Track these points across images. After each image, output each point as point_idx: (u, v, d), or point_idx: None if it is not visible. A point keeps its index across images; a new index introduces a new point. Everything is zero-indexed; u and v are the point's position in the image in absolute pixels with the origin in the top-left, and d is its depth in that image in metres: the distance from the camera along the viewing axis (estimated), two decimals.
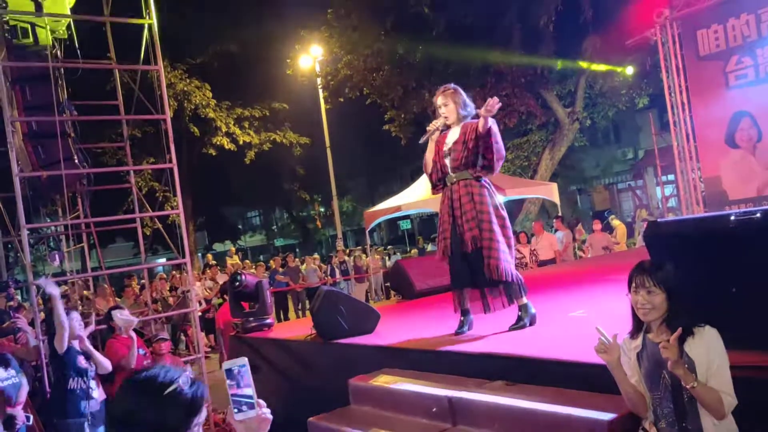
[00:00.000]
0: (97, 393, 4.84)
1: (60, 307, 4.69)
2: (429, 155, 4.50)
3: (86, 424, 4.64)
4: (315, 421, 4.05)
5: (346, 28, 15.28)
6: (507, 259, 4.24)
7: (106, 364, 4.92)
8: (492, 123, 4.21)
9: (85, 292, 10.14)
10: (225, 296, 9.03)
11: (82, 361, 4.76)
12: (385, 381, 4.06)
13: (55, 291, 4.80)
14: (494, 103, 4.04)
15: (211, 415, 6.79)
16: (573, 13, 13.20)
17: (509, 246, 4.29)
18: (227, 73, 20.18)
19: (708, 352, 2.18)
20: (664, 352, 2.13)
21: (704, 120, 9.87)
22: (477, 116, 4.35)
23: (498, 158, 4.26)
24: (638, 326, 2.37)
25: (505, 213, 4.39)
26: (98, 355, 4.88)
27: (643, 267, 2.33)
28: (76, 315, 4.90)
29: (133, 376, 1.44)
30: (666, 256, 2.79)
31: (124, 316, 5.37)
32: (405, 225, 32.48)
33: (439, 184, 4.49)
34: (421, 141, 4.54)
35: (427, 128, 4.51)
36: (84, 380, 4.71)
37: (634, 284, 2.31)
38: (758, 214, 2.70)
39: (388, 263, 16.51)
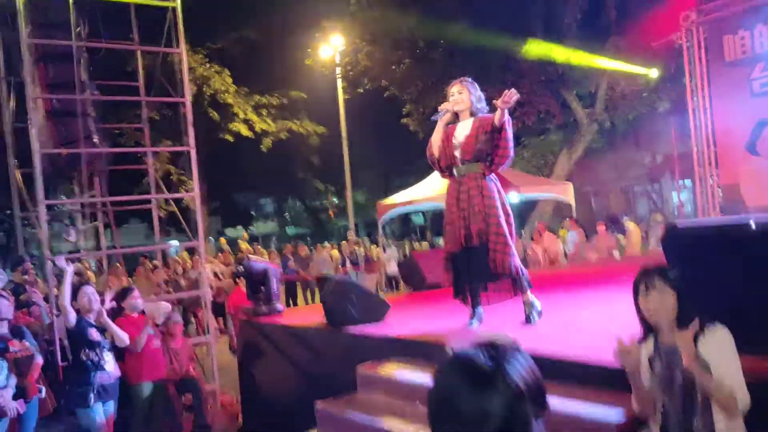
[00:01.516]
0: (111, 366, 4.91)
1: (68, 287, 4.75)
2: (436, 139, 4.46)
3: (91, 395, 4.70)
4: (322, 405, 4.08)
5: (369, 19, 15.25)
6: (513, 253, 4.25)
7: (123, 337, 5.03)
8: (507, 119, 4.19)
9: (90, 273, 10.25)
10: (237, 281, 9.09)
11: (93, 333, 4.82)
12: (393, 369, 4.08)
13: (67, 268, 4.87)
14: (512, 94, 4.01)
15: (218, 395, 6.85)
16: (597, 13, 13.08)
17: (513, 241, 4.30)
18: (247, 59, 20.23)
19: (720, 351, 2.17)
20: (685, 350, 2.11)
21: (726, 126, 9.74)
22: (491, 111, 4.33)
23: (506, 155, 4.25)
24: (648, 330, 2.36)
25: (510, 209, 4.40)
26: (114, 328, 4.99)
27: (652, 269, 2.32)
28: (90, 289, 4.99)
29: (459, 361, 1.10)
30: (682, 258, 2.77)
31: (130, 300, 5.48)
32: (417, 219, 32.44)
33: (446, 171, 4.47)
34: (434, 117, 4.50)
35: (440, 108, 4.47)
36: (95, 352, 4.77)
37: (643, 286, 2.30)
38: None
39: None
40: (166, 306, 6.09)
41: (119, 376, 5.06)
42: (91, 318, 4.87)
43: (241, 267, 6.27)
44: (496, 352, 1.08)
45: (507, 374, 1.04)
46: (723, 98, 9.71)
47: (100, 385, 4.77)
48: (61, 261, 5.11)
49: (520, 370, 1.07)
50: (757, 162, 9.24)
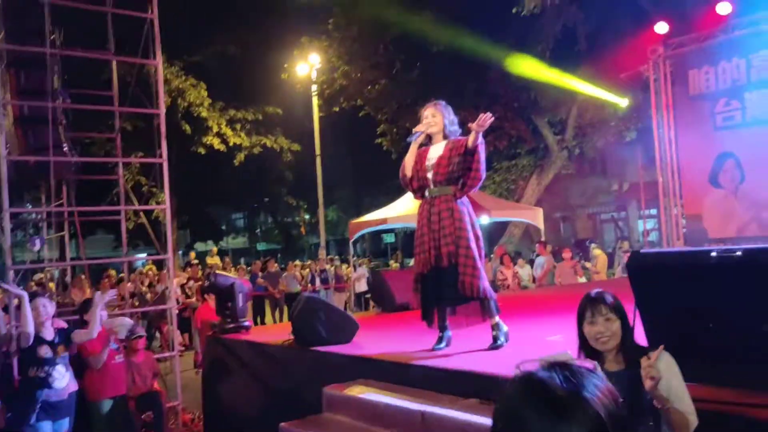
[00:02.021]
0: (63, 383, 4.73)
1: (28, 312, 4.62)
2: (409, 161, 4.51)
3: (33, 415, 4.53)
4: (287, 427, 4.04)
5: (346, 38, 15.39)
6: (482, 276, 4.29)
7: (85, 336, 4.94)
8: (480, 141, 4.26)
9: (50, 284, 9.99)
10: (205, 296, 8.98)
11: (42, 351, 4.67)
12: (360, 391, 4.07)
13: (23, 294, 4.73)
14: (487, 117, 4.09)
15: (180, 413, 6.73)
16: (570, 43, 13.41)
17: (482, 264, 4.35)
18: (224, 73, 20.18)
19: (671, 375, 2.21)
20: (649, 374, 2.13)
21: (690, 158, 10.04)
22: (464, 134, 4.41)
23: (477, 177, 4.30)
24: (593, 358, 2.35)
25: (480, 232, 4.44)
26: (77, 332, 4.92)
27: (596, 296, 2.35)
28: (42, 300, 4.85)
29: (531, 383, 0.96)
30: (646, 285, 2.85)
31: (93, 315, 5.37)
32: (389, 239, 32.51)
33: (418, 192, 4.52)
34: (409, 139, 4.54)
35: (414, 129, 4.53)
36: (44, 369, 4.63)
37: (589, 314, 2.31)
38: (739, 252, 2.77)
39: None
40: (128, 321, 5.98)
41: (75, 391, 4.93)
42: (45, 329, 4.72)
43: (208, 282, 6.20)
44: (572, 374, 0.96)
45: (586, 400, 0.92)
46: (687, 130, 10.02)
47: (47, 403, 4.59)
48: (14, 288, 4.99)
49: (599, 395, 0.94)
50: (719, 194, 9.53)
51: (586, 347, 2.37)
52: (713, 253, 2.81)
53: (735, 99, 9.30)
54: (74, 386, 4.96)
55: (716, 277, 2.80)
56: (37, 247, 7.26)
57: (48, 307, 4.85)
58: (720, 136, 9.51)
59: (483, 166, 4.31)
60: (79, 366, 5.27)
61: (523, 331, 5.02)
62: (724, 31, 9.40)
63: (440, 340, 4.43)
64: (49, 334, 4.79)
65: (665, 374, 2.19)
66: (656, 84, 10.34)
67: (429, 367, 4.03)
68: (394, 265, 20.75)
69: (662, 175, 10.44)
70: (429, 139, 4.55)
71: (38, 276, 11.36)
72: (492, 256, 14.16)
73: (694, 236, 9.89)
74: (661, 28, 10.05)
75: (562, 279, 11.29)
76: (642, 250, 3.40)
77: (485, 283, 4.30)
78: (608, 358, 2.33)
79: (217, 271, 9.32)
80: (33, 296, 4.96)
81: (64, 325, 5.17)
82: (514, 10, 12.23)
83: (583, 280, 11.57)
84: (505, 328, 4.45)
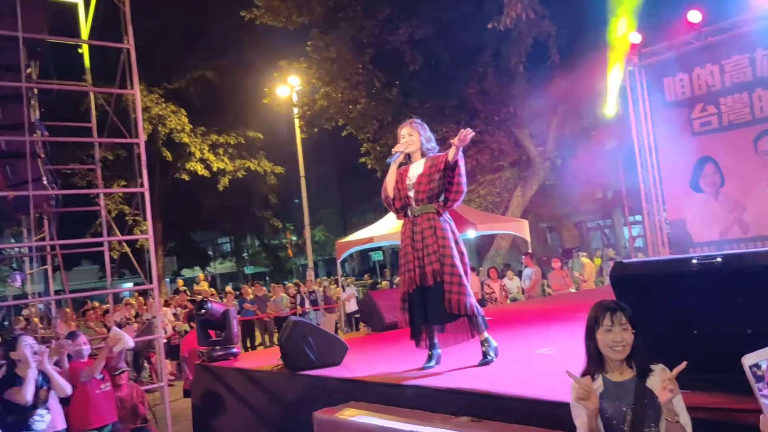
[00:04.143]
0: (44, 424, 4.51)
1: (30, 386, 4.36)
2: (390, 181, 4.52)
3: None
4: None
5: (325, 60, 15.48)
6: (469, 292, 4.28)
7: (66, 387, 4.70)
8: (460, 156, 4.28)
9: (35, 319, 9.82)
10: (192, 323, 8.88)
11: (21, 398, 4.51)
12: (351, 414, 4.03)
13: (33, 366, 4.42)
14: (467, 133, 4.13)
15: None
16: (543, 56, 13.58)
17: (468, 280, 4.35)
18: (204, 99, 20.23)
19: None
20: (669, 386, 2.13)
21: (670, 164, 10.16)
22: (443, 150, 4.44)
23: (459, 191, 4.32)
24: (599, 366, 2.35)
25: (464, 248, 4.45)
26: (57, 379, 4.64)
27: (614, 305, 2.33)
28: (29, 340, 4.60)
29: None
30: (630, 295, 2.86)
31: (75, 347, 5.25)
32: (377, 256, 32.46)
33: (401, 212, 4.53)
34: (388, 161, 4.55)
35: (393, 150, 4.55)
36: (23, 416, 4.41)
37: (608, 322, 2.29)
38: (719, 259, 2.79)
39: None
40: (129, 340, 5.67)
41: (62, 430, 4.81)
42: (29, 371, 4.54)
43: (204, 310, 6.08)
44: None
45: None
46: (666, 137, 10.14)
47: None
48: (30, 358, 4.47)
49: None
50: (700, 198, 9.63)
51: (594, 356, 2.34)
52: (694, 261, 2.82)
53: (711, 104, 9.44)
54: (61, 424, 4.84)
55: (698, 284, 2.82)
56: (18, 283, 7.15)
57: (35, 346, 4.61)
58: (698, 141, 9.63)
59: (464, 179, 4.34)
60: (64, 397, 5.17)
61: (512, 345, 5.00)
62: (697, 38, 9.56)
63: (430, 358, 4.41)
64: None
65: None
66: (633, 93, 10.47)
67: (420, 386, 4.00)
68: (384, 283, 20.71)
69: (644, 181, 10.54)
70: (408, 158, 4.57)
71: (25, 312, 11.20)
72: (480, 269, 14.20)
73: (679, 241, 9.97)
74: (635, 38, 10.20)
75: (553, 288, 11.34)
76: (624, 260, 3.42)
77: (472, 300, 4.30)
78: (612, 368, 2.33)
79: (209, 299, 9.24)
80: (17, 336, 4.79)
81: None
82: (490, 26, 12.37)
83: (573, 290, 11.63)
84: (494, 343, 4.44)
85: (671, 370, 2.19)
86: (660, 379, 2.20)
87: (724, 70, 9.22)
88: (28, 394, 4.35)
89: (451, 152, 4.26)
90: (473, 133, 4.24)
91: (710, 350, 2.72)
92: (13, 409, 4.38)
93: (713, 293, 2.76)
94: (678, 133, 9.85)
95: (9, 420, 4.38)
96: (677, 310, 2.89)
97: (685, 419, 2.21)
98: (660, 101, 10.13)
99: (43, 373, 4.67)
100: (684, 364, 2.17)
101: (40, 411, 4.52)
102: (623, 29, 10.25)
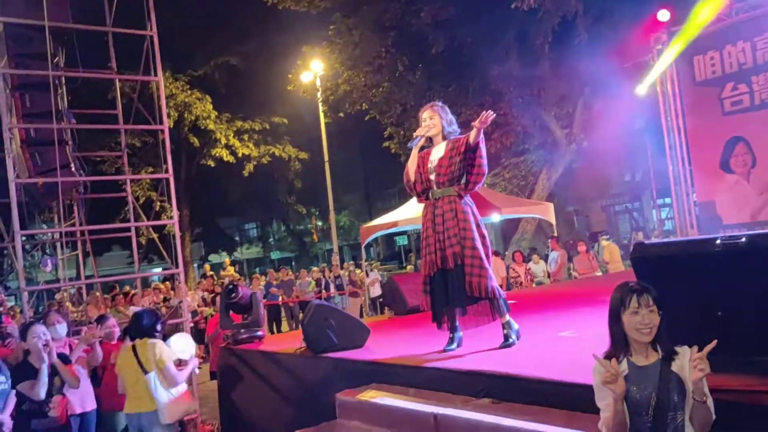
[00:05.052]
0: (57, 411, 4.56)
1: (44, 381, 4.39)
2: (412, 165, 4.52)
3: None
4: None
5: (348, 44, 15.42)
6: (490, 275, 4.27)
7: (74, 382, 4.67)
8: (481, 138, 4.25)
9: (68, 304, 10.01)
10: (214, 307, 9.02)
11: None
12: (372, 396, 4.06)
13: (45, 358, 4.43)
14: (489, 115, 4.10)
15: (199, 425, 6.77)
16: (569, 35, 13.33)
17: (489, 263, 4.34)
18: (228, 85, 20.35)
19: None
20: (699, 365, 2.12)
21: (700, 145, 9.94)
22: (464, 133, 4.41)
23: (481, 173, 4.31)
24: (623, 349, 2.31)
25: (485, 231, 4.43)
26: (65, 372, 4.60)
27: (640, 286, 2.29)
28: (40, 329, 4.58)
29: None
30: (652, 277, 2.82)
31: (105, 329, 5.38)
32: (401, 241, 32.50)
33: (422, 195, 4.52)
34: (410, 144, 4.54)
35: (414, 134, 4.53)
36: (38, 404, 4.45)
37: (634, 303, 2.25)
38: (743, 239, 2.73)
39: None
40: (192, 344, 5.42)
41: (93, 409, 4.91)
42: (43, 366, 4.47)
43: (234, 294, 6.13)
44: None
45: None
46: (695, 117, 9.92)
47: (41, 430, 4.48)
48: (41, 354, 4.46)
49: None
50: (731, 180, 9.42)
51: (619, 338, 2.30)
52: (718, 241, 2.77)
53: (742, 82, 9.18)
54: (91, 405, 4.96)
55: (722, 265, 2.77)
56: (49, 268, 7.33)
57: (47, 335, 4.54)
58: (729, 120, 9.40)
59: (485, 161, 4.32)
60: (95, 376, 5.30)
61: (535, 328, 4.98)
62: (728, 15, 9.30)
63: (451, 341, 4.41)
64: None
65: (688, 370, 2.18)
66: (661, 72, 10.24)
67: (440, 368, 4.01)
68: (409, 267, 20.74)
69: (672, 163, 10.34)
70: (430, 141, 4.55)
71: (58, 296, 11.50)
72: (506, 253, 14.13)
73: (708, 223, 9.78)
74: (663, 15, 9.95)
75: (579, 272, 11.25)
76: (646, 241, 3.37)
77: (493, 283, 4.29)
78: (637, 351, 2.30)
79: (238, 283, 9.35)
80: (30, 324, 4.68)
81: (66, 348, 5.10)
82: (513, 5, 12.17)
83: (599, 273, 11.51)
84: (515, 326, 4.43)
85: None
86: (689, 358, 2.17)
87: (756, 47, 8.95)
88: (41, 392, 4.39)
89: (472, 134, 4.23)
90: (494, 115, 4.20)
91: (735, 332, 2.68)
92: (27, 397, 4.45)
93: (738, 274, 2.71)
94: (708, 112, 9.62)
95: (24, 407, 4.46)
96: (701, 292, 2.85)
97: (708, 401, 2.19)
98: (689, 80, 9.90)
99: (62, 357, 4.72)
100: (714, 343, 2.14)
101: (56, 397, 4.57)
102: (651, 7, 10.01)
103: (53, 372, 4.52)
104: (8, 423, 4.18)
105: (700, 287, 2.84)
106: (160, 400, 4.69)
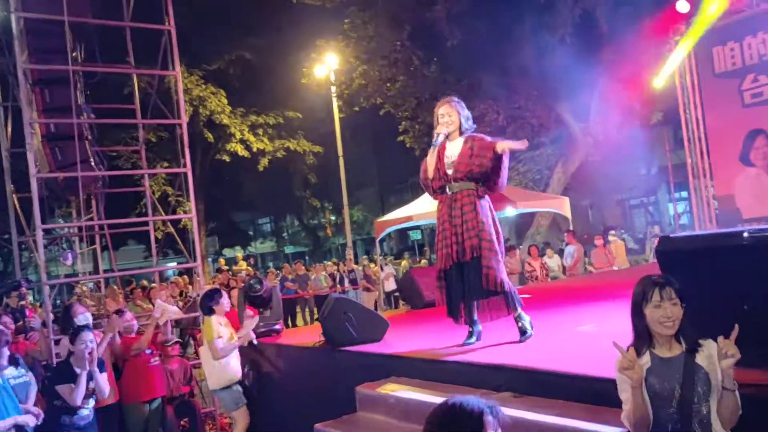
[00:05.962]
0: (88, 411, 4.64)
1: (82, 388, 4.45)
2: (431, 162, 4.50)
3: None
4: (321, 428, 4.06)
5: (362, 38, 15.38)
6: (504, 269, 4.30)
7: (105, 390, 4.74)
8: (506, 153, 4.30)
9: (85, 299, 10.12)
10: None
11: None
12: (392, 389, 4.07)
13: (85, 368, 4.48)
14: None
15: (217, 418, 6.82)
16: (588, 27, 13.20)
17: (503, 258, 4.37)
18: (243, 80, 20.35)
19: (716, 364, 2.19)
20: (729, 351, 2.11)
21: (719, 137, 9.82)
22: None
23: (502, 183, 4.40)
24: (647, 342, 2.30)
25: (500, 228, 4.46)
26: (100, 382, 4.66)
27: (662, 279, 2.28)
28: (88, 336, 4.60)
29: None
30: (677, 270, 2.79)
31: (123, 323, 5.48)
32: (415, 235, 32.45)
33: (439, 191, 4.51)
34: (434, 143, 4.51)
35: (435, 132, 4.52)
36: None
37: (657, 297, 2.23)
38: None
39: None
40: (175, 309, 6.19)
41: (115, 401, 4.96)
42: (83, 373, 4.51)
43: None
44: None
45: None
46: (715, 109, 9.80)
47: (72, 427, 4.53)
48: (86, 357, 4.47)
49: None
50: (751, 173, 9.30)
51: (642, 332, 2.29)
52: (746, 234, 2.73)
53: (763, 74, 9.05)
54: (112, 397, 5.01)
55: (750, 258, 2.73)
56: (70, 261, 7.41)
57: (94, 343, 4.58)
58: (749, 113, 9.27)
59: (507, 172, 4.40)
60: (116, 368, 5.36)
61: (554, 323, 4.96)
62: (748, 5, 9.16)
63: (471, 334, 4.41)
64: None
65: (713, 363, 2.16)
66: (680, 64, 10.12)
67: (460, 362, 4.01)
68: (423, 262, 20.71)
69: (691, 156, 10.23)
70: (446, 137, 4.53)
71: (77, 290, 11.63)
72: (520, 247, 14.06)
73: (727, 217, 9.67)
74: (683, 6, 9.82)
75: (595, 266, 11.19)
76: (671, 234, 3.34)
77: (506, 277, 4.32)
78: (660, 344, 2.28)
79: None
80: (80, 330, 4.68)
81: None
82: None
83: (616, 267, 11.44)
84: (527, 317, 4.43)
85: None
86: (717, 347, 2.15)
87: None
88: (78, 399, 4.45)
89: (504, 144, 4.26)
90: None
91: (761, 326, 2.64)
92: (59, 395, 4.51)
93: (766, 267, 2.67)
94: (727, 104, 9.50)
95: (56, 403, 4.51)
96: (727, 285, 2.81)
97: (736, 392, 2.17)
98: (709, 72, 9.77)
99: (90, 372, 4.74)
100: (737, 328, 2.13)
101: (88, 403, 4.62)
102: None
103: (89, 377, 4.57)
104: (35, 412, 4.20)
105: (727, 281, 2.81)
106: (208, 370, 5.47)
